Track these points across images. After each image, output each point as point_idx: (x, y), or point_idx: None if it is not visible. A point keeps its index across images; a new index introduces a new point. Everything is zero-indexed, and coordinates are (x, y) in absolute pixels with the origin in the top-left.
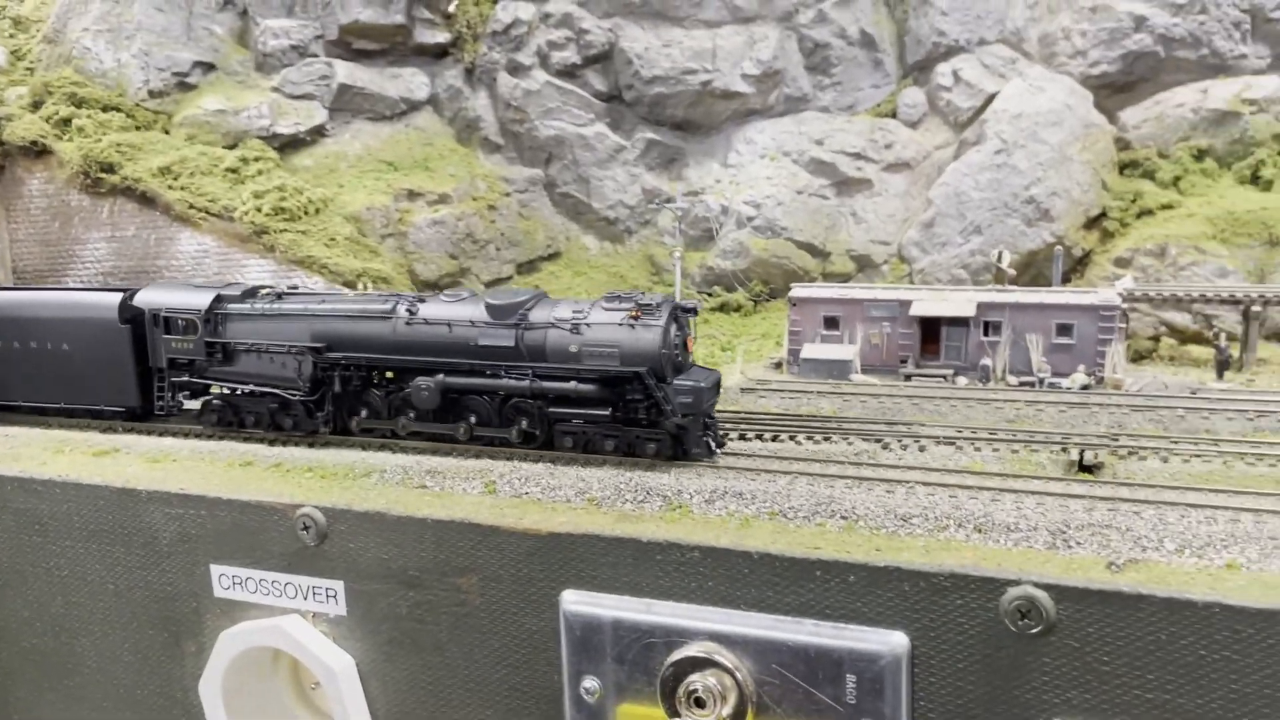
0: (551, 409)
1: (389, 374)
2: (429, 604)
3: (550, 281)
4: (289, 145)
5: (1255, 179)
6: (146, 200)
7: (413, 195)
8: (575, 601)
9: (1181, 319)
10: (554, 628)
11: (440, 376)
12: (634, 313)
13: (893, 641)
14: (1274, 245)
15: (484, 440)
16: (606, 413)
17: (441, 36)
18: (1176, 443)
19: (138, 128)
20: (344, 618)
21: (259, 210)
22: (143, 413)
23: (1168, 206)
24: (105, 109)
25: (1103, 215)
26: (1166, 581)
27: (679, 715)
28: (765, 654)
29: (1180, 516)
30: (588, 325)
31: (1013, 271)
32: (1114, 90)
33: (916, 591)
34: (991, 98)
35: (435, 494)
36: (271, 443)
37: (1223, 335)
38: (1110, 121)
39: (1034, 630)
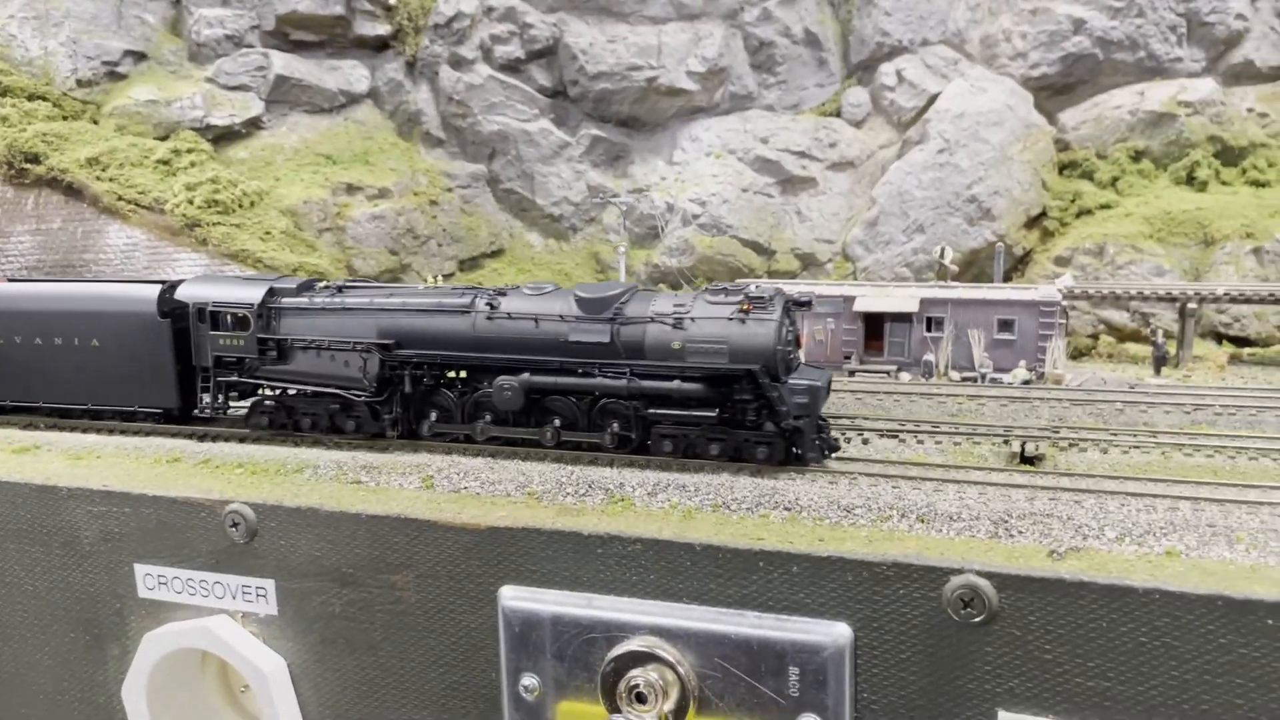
0: (650, 410)
1: (462, 373)
2: (363, 602)
3: (494, 278)
4: (223, 137)
5: (1190, 180)
6: (73, 192)
7: (351, 189)
8: (514, 597)
9: (1120, 317)
10: (492, 625)
11: (525, 376)
12: (745, 306)
13: (835, 633)
14: (1209, 245)
15: (572, 445)
16: (713, 414)
17: (382, 29)
18: (1116, 435)
19: (65, 117)
20: (275, 617)
21: (191, 203)
22: (181, 414)
23: (1106, 206)
24: (31, 98)
25: (1043, 215)
26: (1107, 569)
27: (620, 712)
28: (707, 647)
29: (1120, 505)
30: (692, 320)
31: (955, 268)
32: (1054, 92)
33: (859, 581)
34: (934, 98)
35: (370, 489)
36: (201, 438)
37: (1159, 332)
38: (1050, 123)
39: (976, 619)
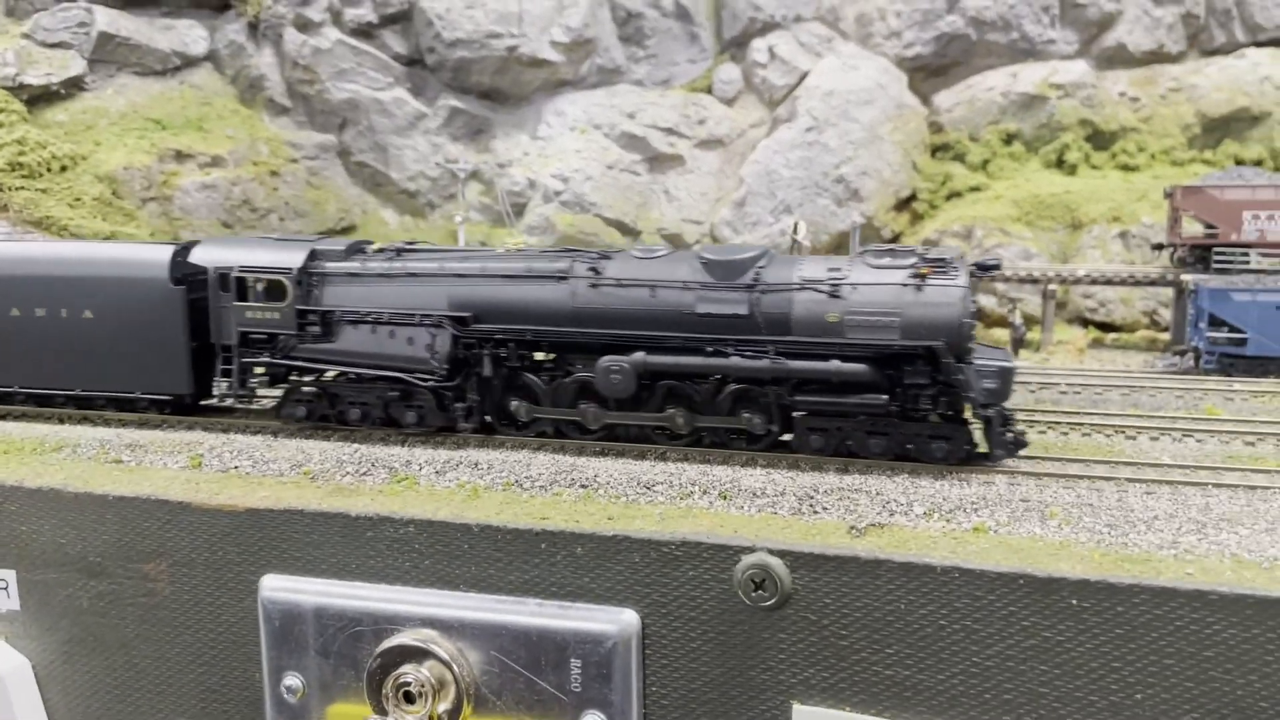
0: (798, 397)
1: (550, 354)
2: (113, 595)
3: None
4: (41, 98)
5: (1060, 163)
6: None
7: (181, 156)
8: (275, 588)
9: (987, 302)
10: (253, 618)
11: (639, 355)
12: (923, 269)
13: (622, 620)
14: (1076, 228)
15: (706, 436)
16: (881, 401)
17: None
18: None
19: None
20: (17, 613)
21: None
22: (194, 402)
23: (976, 189)
24: None
25: (913, 197)
26: (907, 546)
27: (386, 714)
28: (484, 639)
29: (933, 479)
30: (853, 287)
31: (808, 244)
32: (929, 73)
33: (647, 563)
34: (806, 75)
35: (128, 469)
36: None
37: (1018, 312)
38: (925, 104)
39: (768, 602)
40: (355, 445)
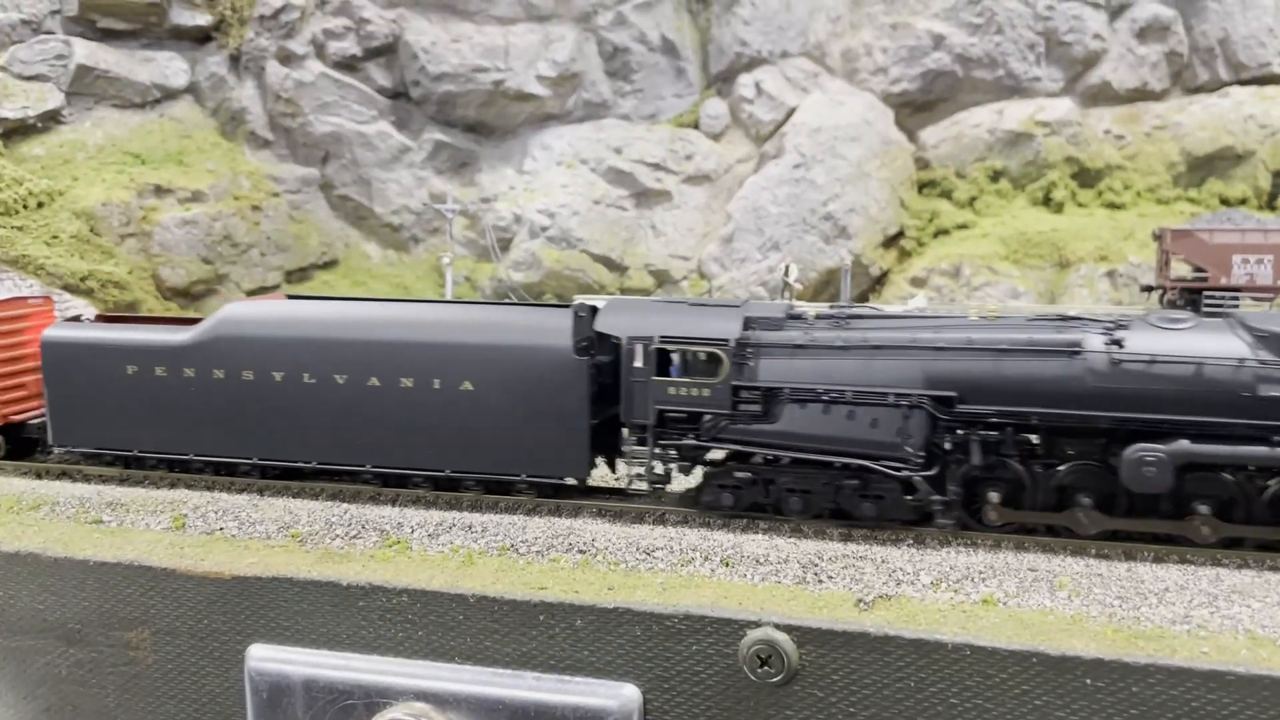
0: None
1: (1035, 440)
2: (93, 663)
3: (325, 293)
4: (17, 132)
5: (1047, 200)
6: None
7: (161, 191)
8: (263, 658)
9: None
10: (240, 689)
11: (1181, 444)
12: None
13: (623, 695)
14: (1064, 267)
15: (1232, 543)
16: None
17: (203, 19)
18: None
19: None
20: None
21: None
22: (582, 485)
23: (964, 226)
24: None
25: (900, 234)
26: (916, 620)
27: None
28: (480, 714)
29: (939, 546)
30: None
31: (799, 285)
32: (915, 109)
33: (649, 636)
34: (793, 111)
35: (110, 531)
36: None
37: None
38: (911, 140)
39: (775, 679)
40: (345, 505)
